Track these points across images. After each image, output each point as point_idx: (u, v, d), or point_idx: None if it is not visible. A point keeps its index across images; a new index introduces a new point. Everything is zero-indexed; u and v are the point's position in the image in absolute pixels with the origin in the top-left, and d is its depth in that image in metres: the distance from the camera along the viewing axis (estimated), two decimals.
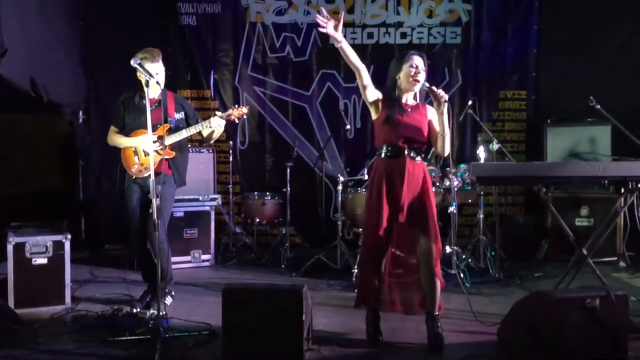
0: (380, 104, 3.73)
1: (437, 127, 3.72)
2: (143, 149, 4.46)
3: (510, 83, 7.11)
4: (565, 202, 6.22)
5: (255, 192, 6.49)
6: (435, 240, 3.59)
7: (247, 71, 7.12)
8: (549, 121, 6.57)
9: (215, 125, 4.36)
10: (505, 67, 7.09)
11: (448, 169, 5.45)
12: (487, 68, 7.08)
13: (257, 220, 6.28)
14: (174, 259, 5.70)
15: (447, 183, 5.40)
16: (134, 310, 4.28)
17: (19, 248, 4.40)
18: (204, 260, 6.02)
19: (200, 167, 6.11)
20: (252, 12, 7.05)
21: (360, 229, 5.77)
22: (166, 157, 4.46)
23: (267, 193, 6.39)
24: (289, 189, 6.14)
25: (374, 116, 3.78)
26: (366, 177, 5.69)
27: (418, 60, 3.71)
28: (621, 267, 6.06)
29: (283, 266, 5.84)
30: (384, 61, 6.92)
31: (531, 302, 3.43)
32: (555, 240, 6.25)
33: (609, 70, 6.95)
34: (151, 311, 4.22)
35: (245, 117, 4.57)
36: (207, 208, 6.05)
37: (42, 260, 4.46)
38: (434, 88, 3.60)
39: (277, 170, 7.06)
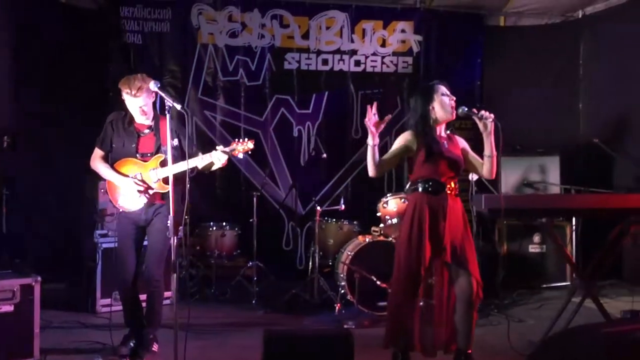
0: (413, 143, 3.59)
1: (472, 155, 3.66)
2: (129, 190, 4.01)
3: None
4: (519, 229, 6.43)
5: (211, 222, 6.11)
6: (477, 278, 3.50)
7: (197, 94, 6.75)
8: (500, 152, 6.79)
9: (215, 160, 3.99)
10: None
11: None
12: None
13: (216, 252, 5.92)
14: None
15: None
16: None
17: None
18: (165, 298, 5.53)
19: None
20: (204, 33, 6.71)
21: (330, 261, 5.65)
22: (160, 191, 4.05)
23: (224, 223, 6.05)
24: (255, 219, 5.83)
25: (406, 154, 3.63)
26: (343, 207, 5.54)
27: (446, 88, 3.65)
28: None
29: (254, 302, 5.51)
30: (338, 88, 7.01)
31: (571, 338, 3.41)
32: (509, 268, 6.42)
33: (545, 102, 7.38)
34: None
35: (250, 152, 4.17)
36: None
37: (7, 308, 3.86)
38: (474, 110, 3.52)
39: (228, 199, 6.74)
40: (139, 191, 3.97)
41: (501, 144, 3.56)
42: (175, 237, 3.43)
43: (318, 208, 5.51)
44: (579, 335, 3.38)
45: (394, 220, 5.25)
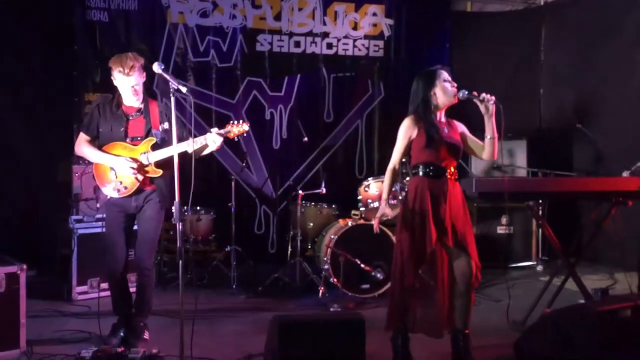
0: (414, 130, 3.60)
1: (472, 139, 3.70)
2: (121, 171, 3.88)
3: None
4: (487, 211, 6.61)
5: (186, 207, 5.99)
6: (476, 261, 3.57)
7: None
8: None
9: (210, 143, 3.88)
10: None
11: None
12: (406, 82, 7.24)
13: (192, 237, 5.82)
14: (106, 285, 5.11)
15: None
16: (118, 350, 3.70)
17: None
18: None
19: None
20: (174, 11, 6.52)
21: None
22: (152, 176, 3.92)
23: (199, 208, 5.95)
24: (233, 203, 5.75)
25: (407, 139, 3.64)
26: (324, 190, 5.53)
27: (448, 74, 3.66)
28: (538, 271, 6.60)
29: (234, 286, 5.46)
30: (311, 70, 6.96)
31: (567, 316, 3.54)
32: (479, 249, 6.57)
33: (510, 87, 7.55)
34: (139, 348, 3.69)
35: (245, 134, 4.10)
36: None
37: None
38: (475, 93, 3.53)
39: (199, 183, 6.59)
40: (132, 168, 3.82)
41: (502, 125, 3.58)
42: (180, 223, 3.33)
43: (300, 192, 5.48)
44: (573, 313, 3.53)
45: (376, 204, 5.28)
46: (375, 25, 7.14)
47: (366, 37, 7.11)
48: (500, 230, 6.67)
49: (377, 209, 5.18)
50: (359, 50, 7.11)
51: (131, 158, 3.86)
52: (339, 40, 7.03)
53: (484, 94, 3.51)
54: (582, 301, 4.73)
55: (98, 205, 5.01)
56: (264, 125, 6.85)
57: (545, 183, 4.09)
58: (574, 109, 7.36)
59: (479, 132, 3.70)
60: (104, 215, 4.07)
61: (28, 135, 6.01)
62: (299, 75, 6.91)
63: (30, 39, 6.08)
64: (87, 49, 6.33)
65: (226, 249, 5.77)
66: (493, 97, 3.49)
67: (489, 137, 3.59)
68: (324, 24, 6.96)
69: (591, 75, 7.09)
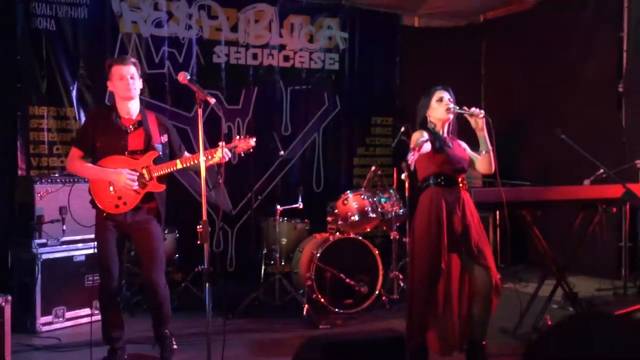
0: None
1: (473, 154, 3.74)
2: (120, 186, 3.62)
3: (378, 110, 7.46)
4: None
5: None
6: (494, 270, 3.59)
7: None
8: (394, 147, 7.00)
9: (225, 158, 3.70)
10: (374, 95, 7.43)
11: (388, 194, 5.45)
12: (360, 95, 7.33)
13: None
14: (71, 314, 4.77)
15: (390, 209, 5.37)
16: None
17: None
18: (84, 315, 4.97)
19: None
20: (127, 21, 6.18)
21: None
22: (154, 191, 3.67)
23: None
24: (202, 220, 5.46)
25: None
26: (301, 205, 5.41)
27: (442, 93, 3.70)
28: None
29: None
30: (268, 83, 6.82)
31: (587, 321, 3.60)
32: None
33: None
34: None
35: (251, 150, 3.86)
36: None
37: None
38: (465, 108, 3.59)
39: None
40: (133, 181, 3.59)
41: (493, 138, 3.64)
42: (206, 244, 3.13)
43: (278, 207, 5.33)
44: (592, 318, 3.61)
45: (356, 217, 5.23)
46: (330, 38, 7.13)
47: (322, 49, 7.08)
48: None
49: (357, 221, 5.18)
50: (315, 63, 7.07)
51: (132, 170, 3.62)
52: (295, 52, 6.95)
53: (472, 109, 3.57)
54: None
55: (64, 227, 4.67)
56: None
57: (540, 192, 4.20)
58: (515, 122, 7.69)
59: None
60: (94, 234, 3.80)
61: None
62: (256, 88, 6.76)
63: None
64: (32, 59, 5.86)
65: (197, 269, 5.49)
66: (482, 112, 3.54)
67: (484, 151, 3.64)
68: (281, 36, 6.87)
69: (532, 89, 7.44)
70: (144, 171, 3.66)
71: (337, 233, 5.33)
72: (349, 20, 7.21)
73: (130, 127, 3.72)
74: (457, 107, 3.66)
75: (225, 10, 6.57)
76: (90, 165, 3.68)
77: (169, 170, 3.69)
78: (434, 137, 3.61)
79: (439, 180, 3.60)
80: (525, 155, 7.52)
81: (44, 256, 4.63)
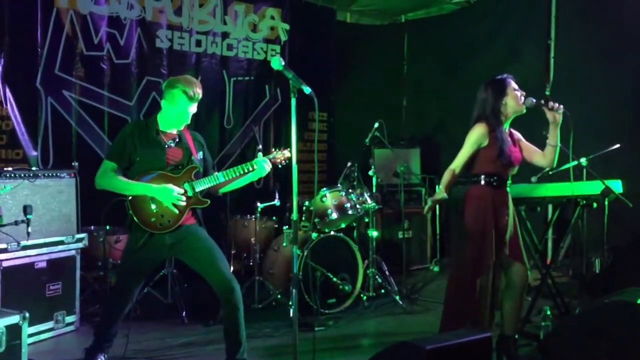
0: (485, 138, 3.55)
1: (527, 145, 3.73)
2: (164, 203, 3.33)
3: (315, 105, 7.31)
4: (391, 217, 6.82)
5: (92, 227, 5.10)
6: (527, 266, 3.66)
7: (54, 70, 5.46)
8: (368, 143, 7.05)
9: (266, 170, 3.55)
10: (312, 89, 7.26)
11: (369, 193, 5.36)
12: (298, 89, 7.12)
13: (111, 261, 4.96)
14: (33, 329, 4.16)
15: (369, 205, 5.27)
16: None
17: None
18: (68, 324, 4.41)
19: (62, 197, 4.47)
20: None
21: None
22: (198, 206, 3.40)
23: (117, 227, 5.13)
24: None
25: (476, 146, 3.58)
26: (278, 202, 5.15)
27: (514, 83, 3.65)
28: (434, 272, 6.99)
29: (184, 314, 4.76)
30: (212, 72, 6.40)
31: (610, 310, 3.75)
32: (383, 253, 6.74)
33: (378, 98, 7.88)
34: None
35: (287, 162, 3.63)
36: (73, 252, 4.46)
37: None
38: (543, 101, 3.53)
39: (94, 198, 5.61)
40: (178, 199, 3.33)
41: (572, 132, 3.57)
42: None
43: (258, 204, 5.02)
44: (614, 307, 3.81)
45: (335, 215, 5.08)
46: (272, 29, 6.89)
47: (265, 40, 6.81)
48: (401, 234, 6.91)
49: (335, 220, 5.05)
50: (258, 53, 6.79)
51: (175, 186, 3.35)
52: (239, 41, 6.61)
53: (552, 103, 3.51)
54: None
55: (29, 229, 4.02)
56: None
57: (531, 189, 4.34)
58: (437, 121, 7.99)
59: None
60: (124, 257, 3.54)
61: None
62: (199, 77, 6.31)
63: None
64: None
65: (161, 273, 5.01)
66: (561, 106, 3.53)
67: (552, 144, 3.61)
68: (225, 23, 6.50)
69: (455, 90, 7.74)
70: (187, 186, 3.39)
71: (311, 230, 5.14)
72: (290, 11, 7.02)
73: (170, 142, 3.45)
74: (534, 100, 3.54)
75: None
76: (127, 180, 3.36)
77: (211, 184, 3.48)
78: (503, 141, 3.54)
79: (491, 180, 3.57)
80: (445, 155, 7.79)
81: (5, 263, 3.95)
